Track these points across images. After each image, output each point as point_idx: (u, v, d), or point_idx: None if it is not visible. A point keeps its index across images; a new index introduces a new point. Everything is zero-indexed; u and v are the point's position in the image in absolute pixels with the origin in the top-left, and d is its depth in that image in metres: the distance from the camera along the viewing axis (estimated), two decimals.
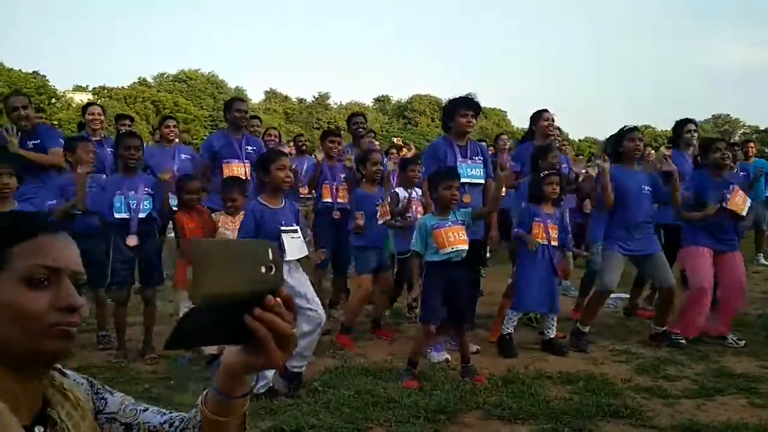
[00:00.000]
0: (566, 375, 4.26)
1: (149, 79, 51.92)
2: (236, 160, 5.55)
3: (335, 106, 59.72)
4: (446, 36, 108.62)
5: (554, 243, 4.89)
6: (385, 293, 5.61)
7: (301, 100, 59.50)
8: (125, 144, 4.69)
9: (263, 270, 0.92)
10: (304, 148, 9.47)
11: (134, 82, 49.31)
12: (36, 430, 0.98)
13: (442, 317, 4.21)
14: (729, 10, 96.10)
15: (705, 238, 5.15)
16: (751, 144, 10.07)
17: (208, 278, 0.87)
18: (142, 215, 4.59)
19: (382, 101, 63.29)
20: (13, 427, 0.90)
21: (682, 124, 6.10)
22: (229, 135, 5.66)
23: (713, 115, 65.10)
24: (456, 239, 4.12)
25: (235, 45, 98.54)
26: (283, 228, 3.75)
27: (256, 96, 59.40)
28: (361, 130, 7.00)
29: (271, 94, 58.82)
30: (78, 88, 49.37)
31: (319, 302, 4.01)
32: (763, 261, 9.81)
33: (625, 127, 5.39)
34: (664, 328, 5.18)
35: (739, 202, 5.11)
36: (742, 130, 62.07)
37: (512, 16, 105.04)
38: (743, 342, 5.10)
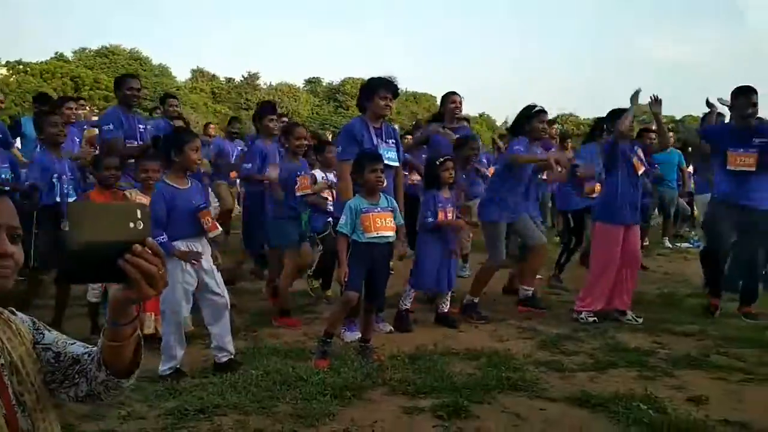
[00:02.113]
0: (472, 351, 4.42)
1: (68, 54, 49.54)
2: (135, 141, 5.46)
3: (265, 87, 58.61)
4: (379, 18, 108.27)
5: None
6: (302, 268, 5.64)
7: (229, 80, 58.00)
8: (51, 121, 4.54)
9: (131, 225, 1.20)
10: (236, 133, 9.39)
11: (52, 57, 46.85)
12: None
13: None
14: (654, 8, 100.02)
15: (618, 213, 5.42)
16: (670, 134, 10.65)
17: (83, 229, 1.16)
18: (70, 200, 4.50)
19: (313, 83, 62.49)
20: None
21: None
22: (122, 113, 5.50)
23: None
24: (383, 225, 4.19)
25: (159, 21, 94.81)
26: (198, 206, 3.75)
27: (182, 74, 57.47)
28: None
29: (198, 73, 57.08)
30: None
31: (224, 285, 4.03)
32: (668, 244, 10.40)
33: (535, 106, 5.65)
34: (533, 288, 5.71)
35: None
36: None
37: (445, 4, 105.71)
38: (641, 319, 5.42)
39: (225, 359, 3.94)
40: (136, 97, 5.54)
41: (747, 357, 4.39)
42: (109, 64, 48.35)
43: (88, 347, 1.45)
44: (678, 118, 62.70)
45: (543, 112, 5.73)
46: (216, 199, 7.78)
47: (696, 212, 11.88)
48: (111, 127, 5.36)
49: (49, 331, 1.45)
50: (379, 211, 4.24)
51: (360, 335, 4.60)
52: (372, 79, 4.81)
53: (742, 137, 5.36)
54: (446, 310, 5.34)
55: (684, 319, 5.54)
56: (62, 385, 1.41)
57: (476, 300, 5.49)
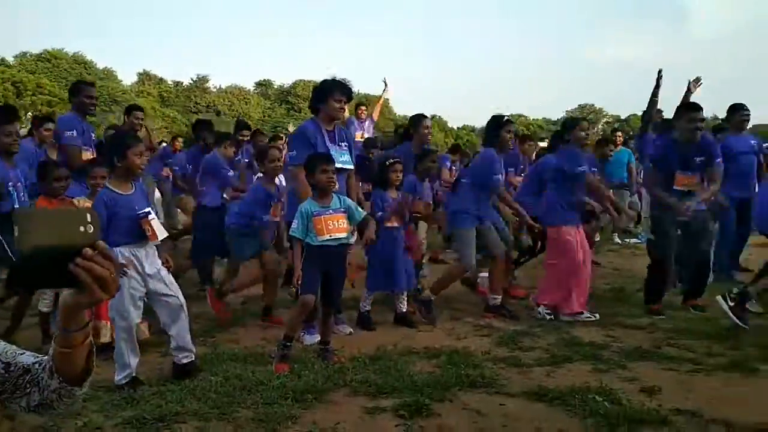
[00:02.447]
0: (431, 350, 4.46)
1: (9, 59, 47.87)
2: (90, 149, 5.37)
3: (215, 90, 57.91)
4: (330, 20, 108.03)
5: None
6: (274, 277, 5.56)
7: (177, 83, 57.10)
8: (6, 131, 4.40)
9: (81, 229, 1.20)
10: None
11: None
12: None
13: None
14: (603, 11, 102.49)
15: (572, 215, 5.62)
16: (619, 133, 11.05)
17: (31, 234, 1.17)
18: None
19: (264, 86, 62.06)
20: None
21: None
22: (78, 121, 5.40)
23: (579, 105, 69.45)
24: (335, 227, 4.17)
25: (104, 24, 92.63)
26: (140, 212, 3.66)
27: (127, 77, 56.45)
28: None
29: (145, 76, 55.98)
30: None
31: (177, 285, 3.97)
32: (617, 240, 10.70)
33: (503, 117, 5.75)
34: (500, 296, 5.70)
35: None
36: (605, 119, 66.76)
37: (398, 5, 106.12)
38: (597, 315, 5.55)
39: (186, 360, 3.87)
40: (93, 105, 5.45)
41: (696, 348, 4.55)
42: (51, 69, 47.01)
43: (38, 357, 1.44)
44: (623, 117, 64.77)
45: (510, 122, 5.85)
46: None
47: (642, 206, 12.35)
48: (74, 134, 5.27)
49: None
50: (331, 213, 4.22)
51: (319, 338, 4.59)
52: (325, 82, 4.77)
53: (686, 160, 5.49)
54: (404, 310, 5.38)
55: (635, 312, 5.69)
56: (13, 395, 1.39)
57: (432, 297, 5.53)
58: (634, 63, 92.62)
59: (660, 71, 6.76)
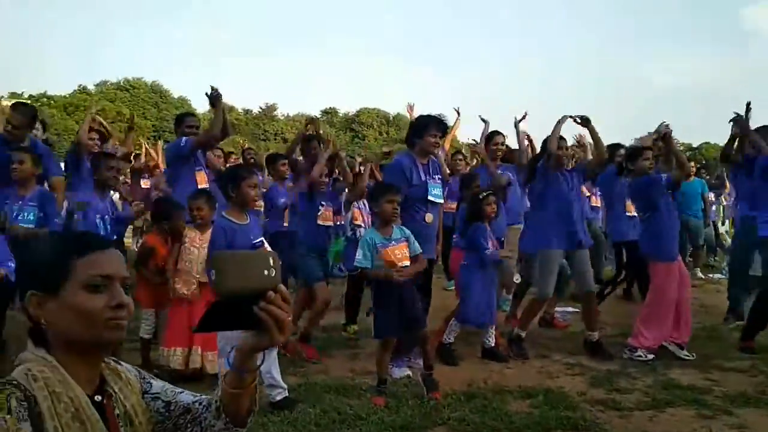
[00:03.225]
0: (525, 389, 4.38)
1: (90, 87, 50.52)
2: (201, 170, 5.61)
3: (282, 118, 59.38)
4: (392, 50, 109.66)
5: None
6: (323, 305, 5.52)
7: (247, 111, 58.85)
8: (107, 164, 4.67)
9: (266, 272, 1.25)
10: (252, 161, 9.46)
11: (75, 90, 47.85)
12: (96, 398, 1.29)
13: (398, 331, 4.23)
14: (662, 39, 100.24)
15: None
16: (692, 163, 10.66)
17: (228, 278, 1.23)
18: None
19: (329, 113, 63.23)
20: (77, 388, 1.25)
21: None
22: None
23: (648, 132, 67.44)
24: (402, 256, 4.20)
25: (178, 54, 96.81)
26: (256, 241, 3.78)
27: (201, 106, 58.22)
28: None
29: None
30: (13, 95, 47.55)
31: None
32: (699, 275, 10.30)
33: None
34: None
35: None
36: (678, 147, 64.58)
37: (463, 32, 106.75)
38: (694, 355, 5.35)
39: (280, 397, 3.92)
40: (195, 134, 5.68)
41: None
42: (130, 98, 49.24)
43: (196, 395, 1.47)
44: (695, 145, 62.75)
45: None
46: None
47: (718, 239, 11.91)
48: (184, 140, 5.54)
49: (155, 380, 1.47)
50: (394, 245, 4.24)
51: (410, 372, 4.58)
52: (422, 117, 4.91)
53: None
54: (493, 344, 5.31)
55: (732, 354, 5.45)
56: None
57: (523, 335, 5.45)
58: (703, 89, 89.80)
59: (749, 103, 6.48)
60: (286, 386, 3.99)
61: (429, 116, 4.87)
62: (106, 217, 4.67)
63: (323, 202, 5.37)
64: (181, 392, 1.47)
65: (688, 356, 5.31)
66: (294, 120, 58.32)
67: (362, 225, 5.81)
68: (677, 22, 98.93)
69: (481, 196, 5.17)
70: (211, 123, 5.51)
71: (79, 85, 49.77)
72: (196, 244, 4.49)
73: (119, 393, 1.34)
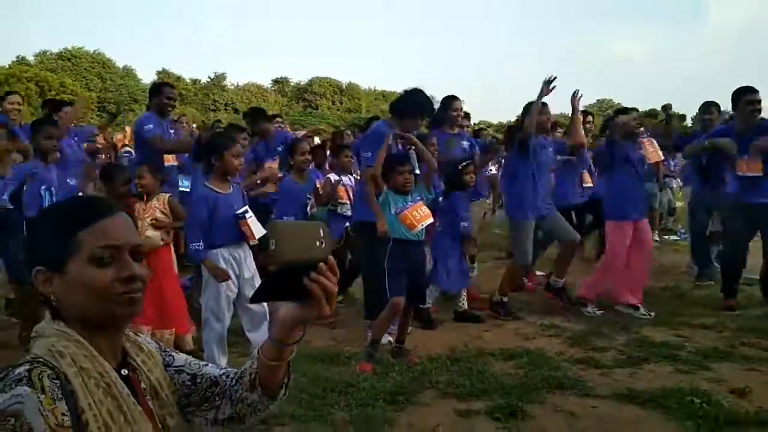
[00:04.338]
0: (506, 351, 4.44)
1: (29, 57, 48.25)
2: None
3: (232, 87, 58.11)
4: (346, 16, 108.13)
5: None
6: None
7: (195, 81, 57.29)
8: (47, 133, 4.43)
9: (317, 243, 1.24)
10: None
11: (13, 61, 45.59)
12: (123, 371, 1.23)
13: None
14: (613, 8, 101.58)
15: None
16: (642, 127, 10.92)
17: (286, 248, 1.22)
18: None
19: (281, 83, 62.18)
20: (105, 363, 1.18)
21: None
22: (157, 119, 5.44)
23: (597, 100, 68.78)
24: (422, 215, 4.22)
25: (121, 22, 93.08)
26: (239, 212, 3.68)
27: (146, 76, 56.61)
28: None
29: (164, 74, 56.16)
30: None
31: None
32: (656, 238, 10.60)
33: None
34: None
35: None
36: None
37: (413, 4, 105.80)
38: (653, 313, 5.53)
39: None
40: (172, 106, 5.52)
41: None
42: (71, 67, 47.31)
43: (222, 368, 1.43)
44: (642, 109, 64.08)
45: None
46: None
47: (681, 203, 12.30)
48: (152, 126, 5.33)
49: (176, 353, 1.42)
50: (411, 205, 4.27)
51: (391, 338, 4.59)
52: (422, 99, 4.74)
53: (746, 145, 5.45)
54: (465, 307, 5.43)
55: (697, 311, 5.64)
56: (200, 408, 1.37)
57: (505, 299, 5.56)
58: (647, 58, 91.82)
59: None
60: None
61: (428, 100, 4.77)
62: (52, 188, 4.53)
63: None
64: (205, 365, 1.42)
65: (645, 315, 5.50)
66: (244, 90, 57.20)
67: (346, 202, 5.75)
68: None
69: (461, 166, 5.19)
70: (180, 142, 5.38)
71: (18, 56, 47.50)
72: (140, 214, 4.31)
73: (143, 366, 1.28)
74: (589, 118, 7.01)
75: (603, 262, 5.76)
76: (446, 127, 6.10)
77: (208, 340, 3.76)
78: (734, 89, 5.62)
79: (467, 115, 7.11)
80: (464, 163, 5.22)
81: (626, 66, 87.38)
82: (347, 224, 5.67)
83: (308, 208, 5.32)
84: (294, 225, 1.35)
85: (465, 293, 5.50)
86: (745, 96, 5.50)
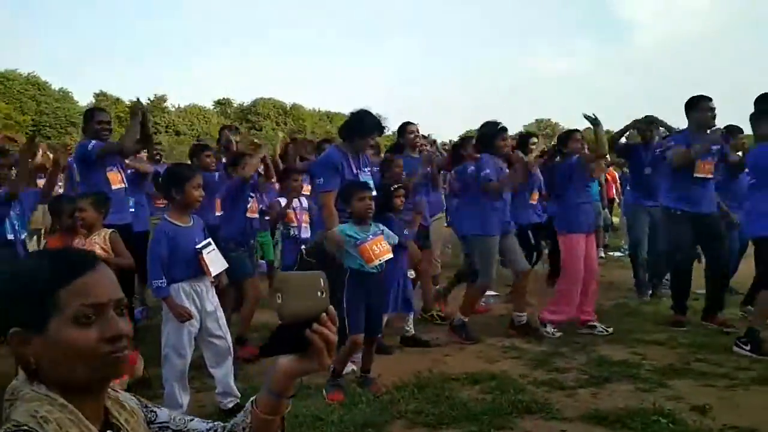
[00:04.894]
0: (470, 375, 4.44)
1: None
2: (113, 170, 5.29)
3: (173, 109, 57.04)
4: (286, 37, 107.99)
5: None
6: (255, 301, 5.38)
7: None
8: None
9: (319, 294, 1.21)
10: (158, 157, 9.03)
11: None
12: None
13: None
14: (544, 26, 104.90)
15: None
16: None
17: (293, 302, 1.19)
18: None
19: (223, 104, 61.45)
20: (92, 428, 1.10)
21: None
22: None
23: (536, 119, 70.68)
24: (381, 251, 4.14)
25: (57, 43, 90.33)
26: (199, 246, 3.58)
27: (83, 98, 54.82)
28: None
29: (101, 97, 54.76)
30: None
31: (227, 328, 3.88)
32: (601, 254, 10.88)
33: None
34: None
35: None
36: (560, 132, 67.96)
37: (342, 20, 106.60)
38: (611, 329, 5.66)
39: (232, 404, 3.77)
40: (106, 131, 5.34)
41: (724, 362, 4.65)
42: (4, 90, 45.57)
43: (208, 422, 1.38)
44: (581, 129, 66.14)
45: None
46: None
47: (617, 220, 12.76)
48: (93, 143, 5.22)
49: (159, 408, 1.35)
50: (372, 238, 4.21)
51: (355, 367, 4.53)
52: (370, 119, 4.75)
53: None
54: (413, 332, 5.46)
55: (649, 328, 5.79)
56: None
57: (465, 320, 5.57)
58: (582, 77, 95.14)
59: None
60: (239, 394, 3.84)
61: (375, 119, 4.77)
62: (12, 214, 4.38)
63: (251, 195, 5.23)
64: (191, 420, 1.36)
65: (603, 331, 5.62)
66: (186, 111, 56.26)
67: (296, 224, 5.71)
68: (561, 14, 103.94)
69: (392, 188, 5.21)
70: (123, 135, 5.23)
71: None
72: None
73: (126, 425, 1.20)
74: (533, 139, 7.19)
75: (563, 281, 5.82)
76: (408, 150, 6.24)
77: (168, 377, 3.62)
78: (690, 97, 5.85)
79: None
80: (395, 186, 5.26)
81: (562, 85, 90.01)
82: (302, 248, 5.63)
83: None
84: (299, 277, 1.28)
85: (411, 318, 5.49)
86: (704, 103, 5.73)
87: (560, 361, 4.85)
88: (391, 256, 4.22)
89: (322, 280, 1.22)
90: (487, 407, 3.77)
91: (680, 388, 4.12)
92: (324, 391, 4.09)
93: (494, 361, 4.88)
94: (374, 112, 4.83)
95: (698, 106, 5.74)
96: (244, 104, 60.53)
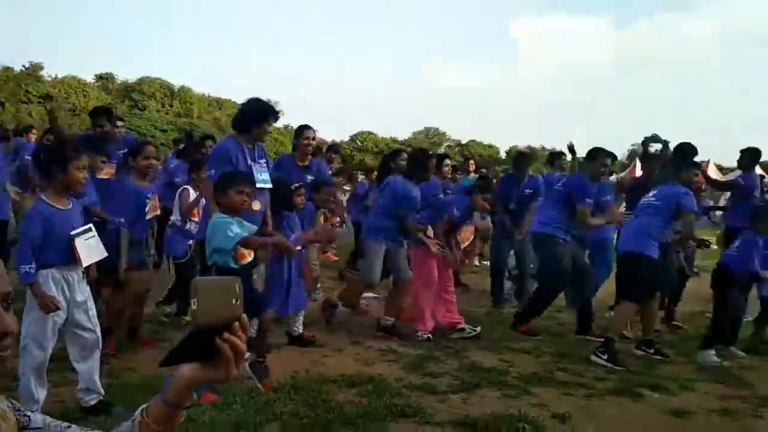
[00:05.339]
0: (347, 378, 4.45)
1: None
2: None
3: (49, 79, 53.18)
4: (184, 18, 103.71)
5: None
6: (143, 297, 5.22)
7: (6, 69, 51.65)
8: None
9: (234, 301, 1.16)
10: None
11: None
12: None
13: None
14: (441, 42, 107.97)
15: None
16: (471, 162, 11.86)
17: (207, 308, 1.13)
18: None
19: (105, 79, 58.10)
20: None
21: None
22: None
23: (425, 127, 72.55)
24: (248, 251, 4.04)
25: None
26: (75, 232, 3.34)
27: None
28: None
29: None
30: None
31: (96, 320, 3.65)
32: (476, 263, 11.32)
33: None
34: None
35: None
36: (447, 143, 70.39)
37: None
38: (479, 328, 5.98)
39: (94, 401, 3.55)
40: None
41: (584, 373, 4.96)
42: None
43: (85, 429, 1.28)
44: (463, 142, 68.65)
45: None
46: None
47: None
48: None
49: (33, 412, 1.25)
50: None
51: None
52: (262, 105, 4.63)
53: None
54: (301, 331, 5.44)
55: (515, 336, 6.09)
56: None
57: (390, 321, 5.84)
58: (474, 90, 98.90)
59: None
60: (102, 391, 3.63)
61: (269, 106, 4.65)
62: None
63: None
64: (68, 427, 1.26)
65: (471, 331, 5.94)
66: (63, 83, 52.61)
67: (196, 220, 5.53)
68: (458, 32, 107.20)
69: (293, 187, 5.19)
70: None
71: None
72: None
73: None
74: (447, 161, 7.62)
75: (418, 291, 6.03)
76: (297, 156, 6.17)
77: (25, 370, 3.34)
78: (593, 147, 6.24)
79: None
80: (297, 185, 5.26)
81: (454, 98, 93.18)
82: (190, 242, 5.47)
83: (146, 212, 4.97)
84: (214, 282, 1.23)
85: (300, 317, 5.46)
86: (601, 158, 6.08)
87: (434, 365, 4.98)
88: (251, 258, 4.09)
89: (237, 286, 1.18)
90: (362, 411, 3.79)
91: (543, 396, 4.35)
92: (194, 393, 3.95)
93: (371, 364, 4.94)
94: (266, 98, 4.72)
95: (597, 159, 6.12)
96: (129, 81, 57.56)
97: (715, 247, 7.55)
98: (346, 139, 63.76)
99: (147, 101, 55.11)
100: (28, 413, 1.22)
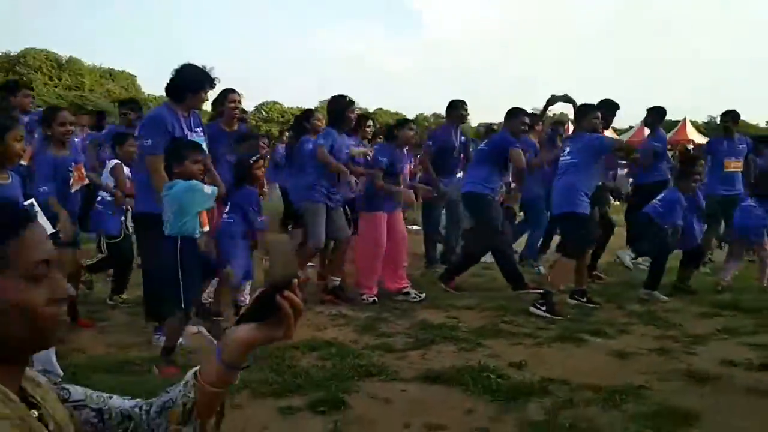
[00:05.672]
0: (306, 343, 4.44)
1: None
2: None
3: None
4: None
5: None
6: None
7: None
8: None
9: (293, 260, 1.26)
10: None
11: None
12: (32, 413, 1.00)
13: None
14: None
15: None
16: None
17: (281, 265, 1.18)
18: None
19: None
20: (22, 406, 0.97)
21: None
22: None
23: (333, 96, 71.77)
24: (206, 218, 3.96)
25: None
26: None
27: None
28: None
29: None
30: None
31: None
32: (410, 227, 11.51)
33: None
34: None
35: None
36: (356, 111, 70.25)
37: None
38: (423, 294, 6.07)
39: None
40: None
41: (526, 324, 5.19)
42: None
43: (130, 400, 1.26)
44: (371, 110, 68.70)
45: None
46: None
47: None
48: None
49: (70, 385, 1.21)
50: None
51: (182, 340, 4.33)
52: (198, 72, 4.45)
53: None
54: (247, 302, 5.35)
55: (457, 294, 6.27)
56: None
57: (337, 282, 5.94)
58: (371, 58, 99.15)
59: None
60: (61, 372, 3.46)
61: (206, 73, 4.47)
62: None
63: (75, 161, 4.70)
64: (110, 397, 1.24)
65: (416, 297, 6.04)
66: None
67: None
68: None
69: (252, 160, 5.05)
70: None
71: None
72: None
73: (44, 404, 1.06)
74: (369, 121, 7.53)
75: (363, 253, 6.14)
76: (224, 121, 5.87)
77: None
78: (512, 107, 6.49)
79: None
80: (255, 158, 5.11)
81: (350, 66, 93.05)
82: (122, 218, 5.24)
83: (71, 184, 4.69)
84: (282, 240, 1.25)
85: (248, 287, 5.38)
86: (521, 116, 6.44)
87: (385, 326, 5.06)
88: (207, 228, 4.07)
89: (292, 245, 1.19)
90: (329, 373, 3.81)
91: (495, 347, 4.52)
92: (154, 368, 3.86)
93: (323, 329, 4.95)
94: (202, 65, 4.53)
95: (518, 116, 6.41)
96: (11, 53, 53.42)
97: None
98: (251, 109, 62.21)
99: (33, 74, 51.35)
100: (66, 386, 1.19)
